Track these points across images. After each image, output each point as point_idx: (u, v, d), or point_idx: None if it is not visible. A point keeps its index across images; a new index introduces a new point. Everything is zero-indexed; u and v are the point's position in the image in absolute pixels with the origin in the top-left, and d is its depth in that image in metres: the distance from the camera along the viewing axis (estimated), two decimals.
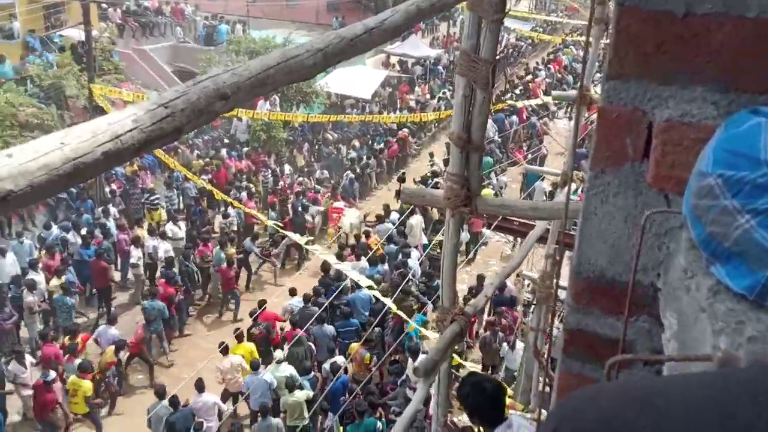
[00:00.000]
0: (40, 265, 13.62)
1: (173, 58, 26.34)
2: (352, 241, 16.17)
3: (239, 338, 11.59)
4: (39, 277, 13.19)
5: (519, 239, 10.60)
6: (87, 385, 10.75)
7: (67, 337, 11.93)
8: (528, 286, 12.49)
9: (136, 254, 14.55)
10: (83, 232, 15.00)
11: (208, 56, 23.68)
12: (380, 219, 16.19)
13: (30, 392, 10.88)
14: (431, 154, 21.50)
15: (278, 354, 10.72)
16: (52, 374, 10.64)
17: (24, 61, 20.89)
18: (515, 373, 9.93)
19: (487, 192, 13.14)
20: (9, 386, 11.20)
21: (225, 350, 11.28)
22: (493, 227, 8.53)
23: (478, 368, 9.73)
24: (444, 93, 27.46)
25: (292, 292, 13.24)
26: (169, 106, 1.35)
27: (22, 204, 1.10)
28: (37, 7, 22.24)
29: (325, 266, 13.17)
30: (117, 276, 15.18)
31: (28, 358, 11.32)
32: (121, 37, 23.96)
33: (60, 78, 18.93)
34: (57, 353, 11.43)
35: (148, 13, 27.19)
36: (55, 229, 15.08)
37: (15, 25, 21.71)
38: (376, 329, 11.68)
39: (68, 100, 19.16)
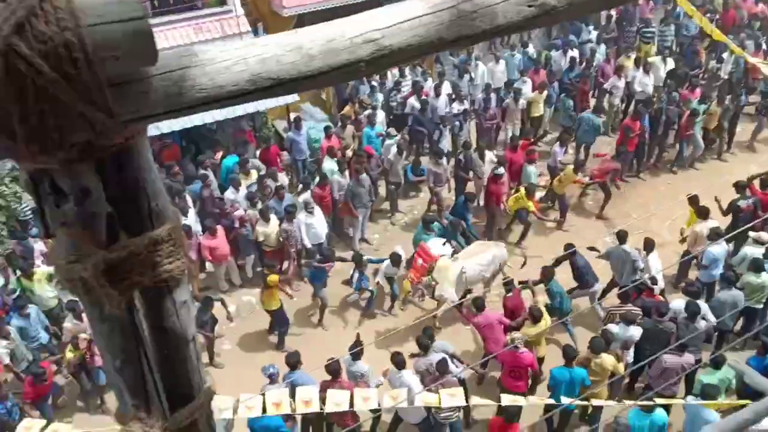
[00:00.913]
0: (526, 78, 14.90)
1: None
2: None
3: (697, 208, 10.90)
4: (526, 87, 14.61)
5: None
6: None
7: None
8: None
9: (612, 81, 14.74)
10: (571, 54, 15.61)
11: None
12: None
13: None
14: None
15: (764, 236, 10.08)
16: (501, 170, 12.01)
17: None
18: None
19: None
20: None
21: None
22: None
23: None
24: None
25: None
26: None
27: (566, 19, 1.18)
28: None
29: None
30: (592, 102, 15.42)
31: (488, 155, 12.73)
32: None
33: None
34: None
35: None
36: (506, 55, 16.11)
37: None
38: None
39: None
